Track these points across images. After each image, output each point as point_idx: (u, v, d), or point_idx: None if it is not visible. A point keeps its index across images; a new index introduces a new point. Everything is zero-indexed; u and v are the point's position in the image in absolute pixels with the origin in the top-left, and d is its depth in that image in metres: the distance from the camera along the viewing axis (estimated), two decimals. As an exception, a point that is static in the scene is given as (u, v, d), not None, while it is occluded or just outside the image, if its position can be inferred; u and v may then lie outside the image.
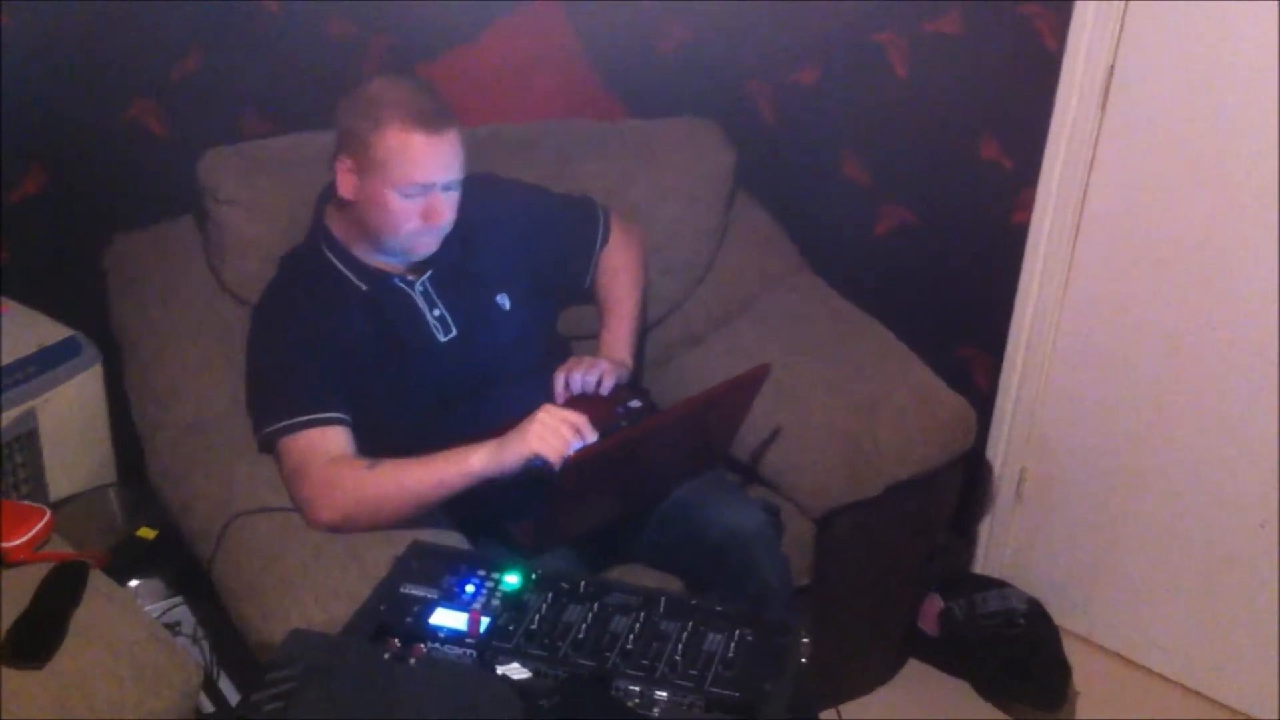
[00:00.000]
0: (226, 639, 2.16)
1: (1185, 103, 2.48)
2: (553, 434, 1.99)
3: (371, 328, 2.21)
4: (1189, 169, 2.51)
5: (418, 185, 2.12)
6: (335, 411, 2.10)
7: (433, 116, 2.11)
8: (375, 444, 2.13)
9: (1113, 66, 2.54)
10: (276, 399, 2.14)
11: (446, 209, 2.17)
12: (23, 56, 2.54)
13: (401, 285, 2.26)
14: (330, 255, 2.25)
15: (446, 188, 2.16)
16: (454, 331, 2.28)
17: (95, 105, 2.67)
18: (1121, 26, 2.50)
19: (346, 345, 2.18)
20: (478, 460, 2.01)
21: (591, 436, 2.01)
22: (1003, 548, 3.01)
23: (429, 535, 1.99)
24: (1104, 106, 2.57)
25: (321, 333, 2.17)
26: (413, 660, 1.65)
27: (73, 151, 2.68)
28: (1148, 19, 2.48)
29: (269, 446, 2.13)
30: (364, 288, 2.24)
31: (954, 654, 2.76)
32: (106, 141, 2.70)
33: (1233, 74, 2.41)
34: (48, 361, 2.39)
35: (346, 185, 2.17)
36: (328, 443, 2.07)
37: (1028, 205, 2.72)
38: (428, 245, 2.22)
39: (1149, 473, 2.73)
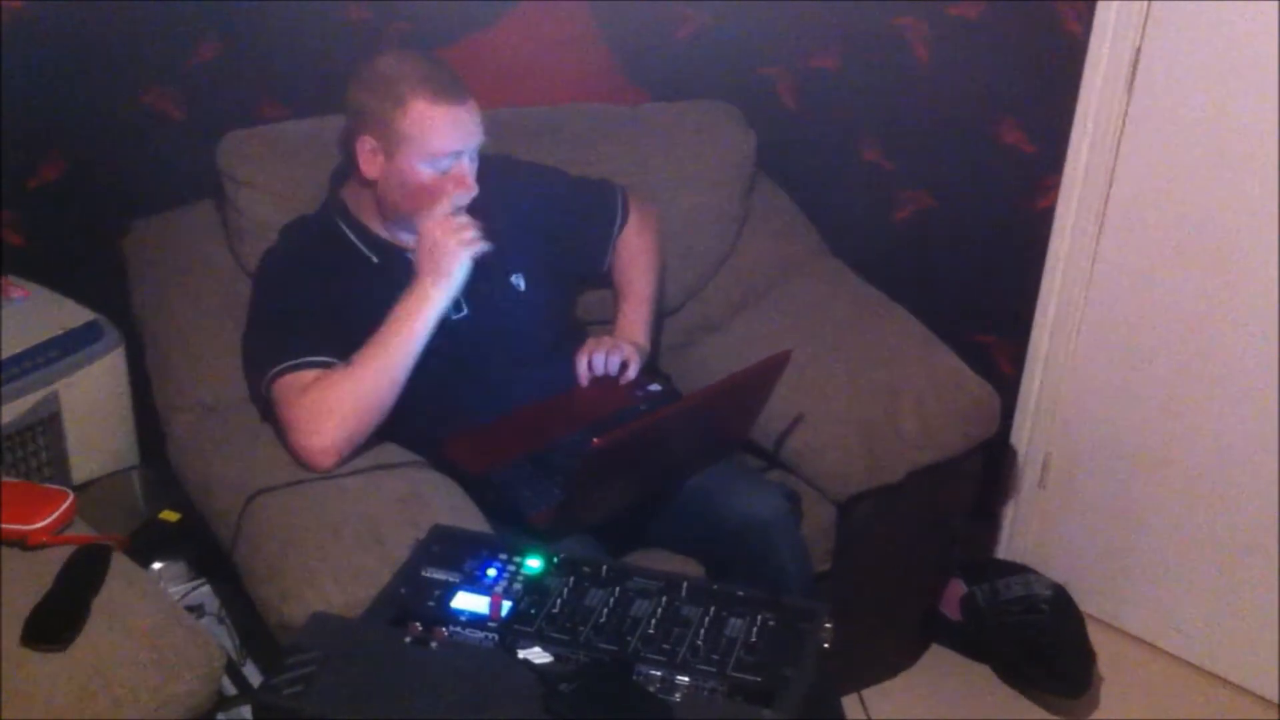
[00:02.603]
0: (250, 622, 2.16)
1: (1212, 87, 2.46)
2: (454, 230, 2.13)
3: (381, 301, 2.20)
4: (1216, 154, 2.49)
5: (449, 155, 2.15)
6: (319, 355, 2.11)
7: (453, 86, 2.14)
8: (386, 421, 2.13)
9: (1139, 50, 2.52)
10: (268, 350, 2.15)
11: (473, 176, 2.20)
12: (41, 44, 2.54)
13: (414, 260, 2.25)
14: (343, 226, 2.27)
15: (472, 156, 2.19)
16: (465, 310, 2.27)
17: (113, 92, 2.67)
18: (1148, 10, 2.48)
19: (353, 312, 2.17)
20: (422, 291, 2.13)
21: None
22: (1026, 533, 3.00)
23: (449, 519, 1.99)
24: (1130, 91, 2.55)
25: (321, 292, 2.18)
26: (434, 644, 1.64)
27: (92, 138, 2.68)
28: (1175, 2, 2.46)
29: (265, 406, 2.14)
30: (375, 260, 2.25)
31: (977, 639, 2.75)
32: (125, 128, 2.70)
33: (1260, 59, 2.38)
34: (70, 345, 2.40)
35: (371, 166, 2.17)
36: (305, 380, 2.09)
37: (1052, 191, 2.70)
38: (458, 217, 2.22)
39: (1173, 458, 2.71)
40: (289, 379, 2.09)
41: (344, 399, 2.07)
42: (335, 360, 2.11)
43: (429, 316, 2.13)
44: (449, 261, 2.14)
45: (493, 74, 2.86)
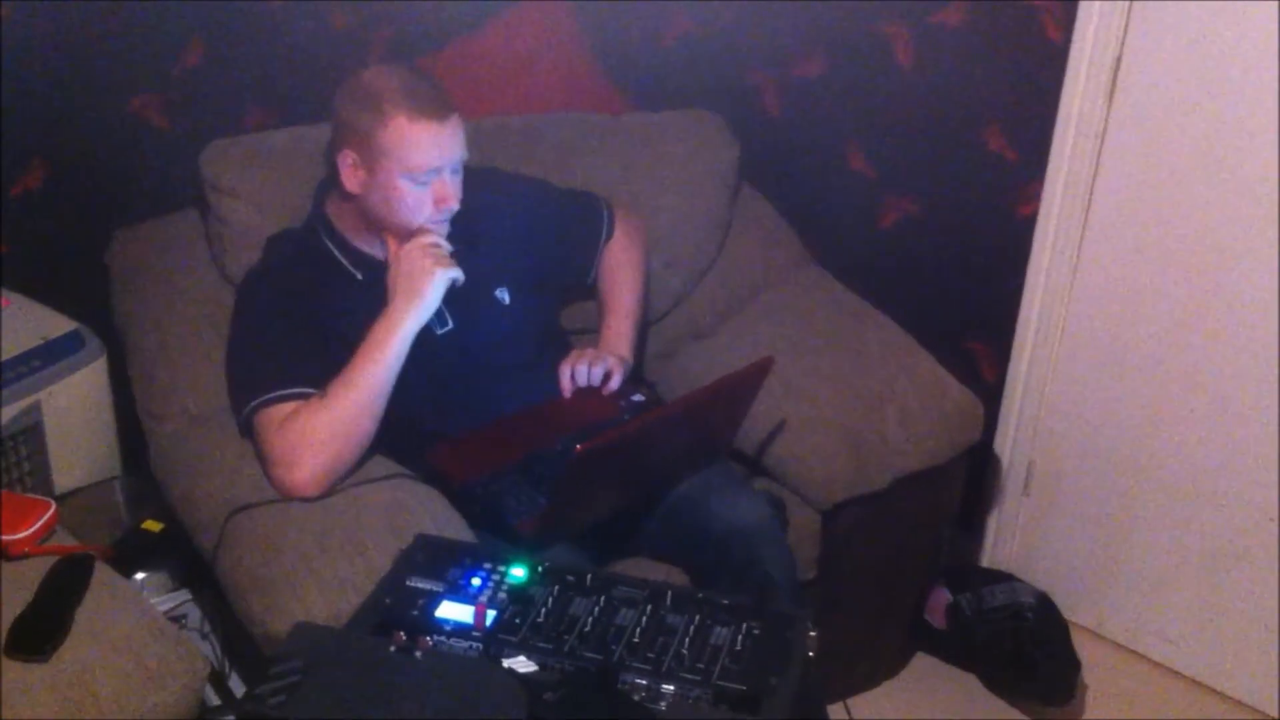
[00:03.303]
0: (234, 632, 2.15)
1: (1193, 94, 2.47)
2: (431, 254, 2.13)
3: (366, 317, 2.20)
4: (1197, 161, 2.50)
5: (430, 171, 2.12)
6: (307, 387, 2.09)
7: (435, 103, 2.12)
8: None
9: (1119, 58, 2.52)
10: (253, 377, 2.14)
11: (456, 190, 2.18)
12: (25, 50, 2.53)
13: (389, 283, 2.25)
14: (328, 243, 2.26)
15: (454, 170, 2.18)
16: (450, 324, 2.27)
17: (98, 99, 2.66)
18: (1128, 18, 2.49)
19: (339, 331, 2.17)
20: (395, 315, 2.11)
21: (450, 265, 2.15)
22: (1010, 541, 3.00)
23: (434, 529, 1.98)
24: (1111, 98, 2.56)
25: (307, 315, 2.17)
26: (418, 653, 1.64)
27: (75, 145, 2.67)
28: (1155, 10, 2.46)
29: (249, 429, 2.13)
30: (359, 276, 2.24)
31: (961, 647, 2.75)
32: (109, 135, 2.69)
33: (1241, 66, 2.39)
34: (52, 355, 2.39)
35: (353, 179, 2.16)
36: (282, 414, 2.08)
37: (1034, 198, 2.71)
38: (439, 230, 2.21)
39: (1157, 466, 2.72)
40: (268, 412, 2.08)
41: (319, 430, 2.05)
42: (313, 390, 2.09)
43: (402, 340, 2.11)
44: (423, 283, 2.12)
45: (477, 81, 2.87)
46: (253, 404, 2.09)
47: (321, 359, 2.13)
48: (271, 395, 2.08)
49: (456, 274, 2.15)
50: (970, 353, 2.90)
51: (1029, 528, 2.98)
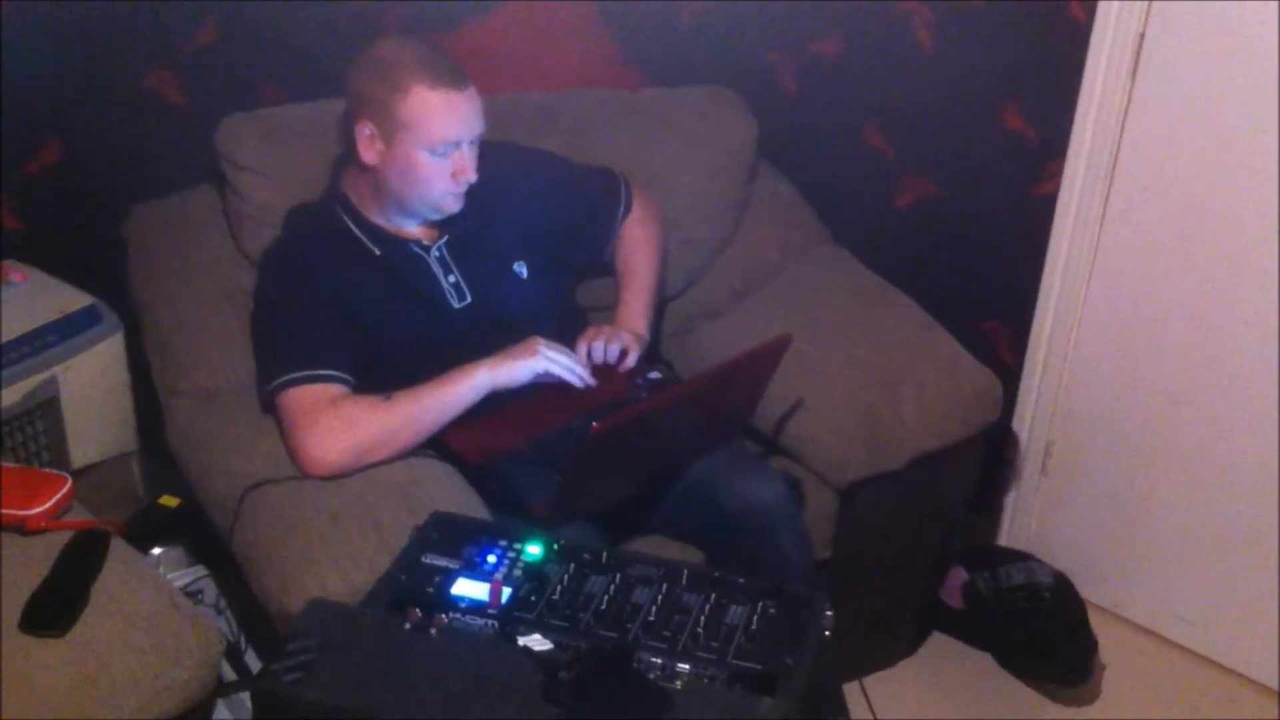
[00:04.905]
0: (250, 608, 2.16)
1: (1216, 73, 2.45)
2: (560, 354, 2.17)
3: (384, 292, 2.20)
4: (1219, 140, 2.48)
5: (448, 143, 2.13)
6: (339, 370, 2.11)
7: (453, 74, 2.13)
8: None
9: (1143, 35, 2.50)
10: (284, 352, 2.14)
11: (473, 163, 2.19)
12: (39, 27, 2.53)
13: (417, 250, 2.26)
14: (345, 218, 2.26)
15: (471, 143, 2.18)
16: (468, 298, 2.27)
17: (112, 76, 2.66)
18: (1152, -6, 2.47)
19: (357, 307, 2.18)
20: (484, 371, 2.13)
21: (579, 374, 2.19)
22: (1028, 520, 3.00)
23: (449, 506, 1.98)
24: (1134, 77, 2.54)
25: (332, 292, 2.18)
26: (434, 631, 1.64)
27: (90, 122, 2.67)
28: (1178, -13, 2.45)
29: (272, 403, 2.13)
30: (378, 252, 2.24)
31: (978, 627, 2.75)
32: (124, 112, 2.69)
33: (1264, 45, 2.37)
34: (69, 329, 2.40)
35: (370, 151, 2.16)
36: (332, 394, 2.09)
37: (1054, 177, 2.69)
38: (455, 203, 2.23)
39: (1176, 446, 2.71)
40: (303, 389, 2.08)
41: (369, 426, 2.06)
42: (345, 375, 2.11)
43: (470, 387, 2.12)
44: (520, 357, 2.16)
45: (494, 59, 2.85)
46: (286, 378, 2.09)
47: (350, 342, 2.15)
48: (308, 373, 2.09)
49: (551, 367, 2.17)
50: (988, 333, 2.89)
51: (1047, 508, 2.97)
